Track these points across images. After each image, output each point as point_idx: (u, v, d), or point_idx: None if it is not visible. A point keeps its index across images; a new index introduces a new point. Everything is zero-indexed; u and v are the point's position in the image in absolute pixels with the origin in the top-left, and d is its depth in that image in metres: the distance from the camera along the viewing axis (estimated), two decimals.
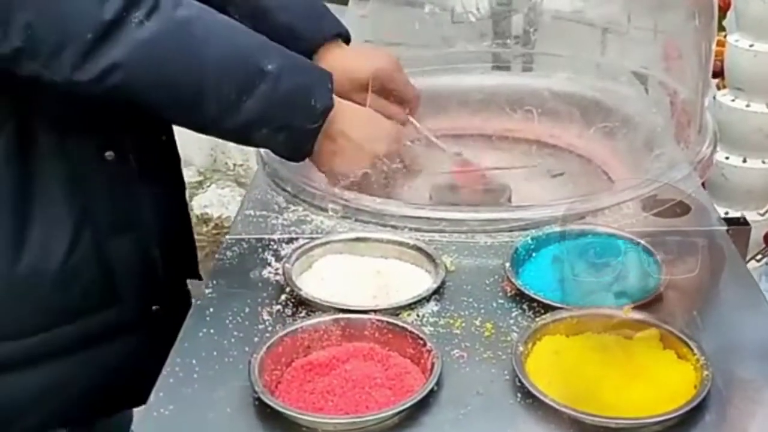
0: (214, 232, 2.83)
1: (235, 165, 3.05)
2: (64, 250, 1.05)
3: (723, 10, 1.62)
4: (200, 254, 2.64)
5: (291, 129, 1.05)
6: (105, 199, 1.08)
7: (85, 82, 0.94)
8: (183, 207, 1.28)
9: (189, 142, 2.97)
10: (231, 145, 3.14)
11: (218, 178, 3.05)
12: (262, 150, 1.27)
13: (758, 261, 1.55)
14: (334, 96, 1.07)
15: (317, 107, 1.05)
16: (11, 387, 1.08)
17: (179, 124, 1.08)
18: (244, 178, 2.96)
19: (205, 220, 2.91)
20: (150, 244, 1.14)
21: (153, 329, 1.13)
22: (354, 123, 1.10)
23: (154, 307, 1.16)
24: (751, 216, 1.52)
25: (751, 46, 1.40)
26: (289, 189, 1.19)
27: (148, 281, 1.15)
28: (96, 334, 1.10)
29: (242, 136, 1.07)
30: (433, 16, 1.34)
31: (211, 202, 2.95)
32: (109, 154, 1.07)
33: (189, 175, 3.06)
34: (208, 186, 3.04)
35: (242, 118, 1.01)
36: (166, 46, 0.97)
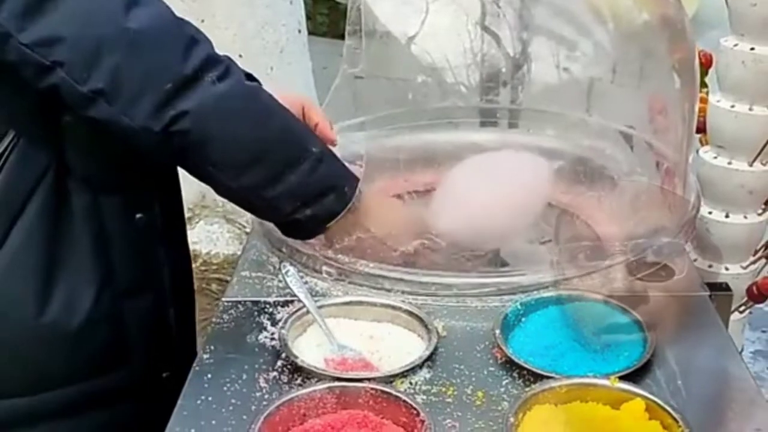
0: (202, 269, 2.83)
1: (224, 202, 3.06)
2: (87, 309, 1.06)
3: (705, 67, 1.66)
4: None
5: (320, 206, 1.09)
6: (129, 259, 1.10)
7: (156, 131, 0.98)
8: (190, 267, 1.31)
9: None
10: None
11: (207, 215, 3.05)
12: None
13: (741, 312, 1.59)
14: (364, 191, 1.13)
15: (347, 194, 1.11)
16: None
17: (218, 185, 1.08)
18: (232, 214, 2.97)
19: (194, 256, 2.92)
20: (165, 305, 1.17)
21: (161, 394, 1.11)
22: (380, 219, 1.15)
23: (164, 374, 1.17)
24: (734, 269, 1.56)
25: (732, 107, 1.44)
26: (284, 250, 1.21)
27: (160, 343, 1.17)
28: (104, 396, 1.11)
29: (276, 206, 1.09)
30: (425, 86, 1.37)
31: (200, 238, 2.94)
32: (139, 216, 1.10)
33: None
34: (197, 222, 3.04)
35: (282, 189, 1.06)
36: (236, 104, 1.03)
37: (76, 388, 1.09)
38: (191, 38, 1.00)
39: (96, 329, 1.07)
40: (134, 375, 1.13)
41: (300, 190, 1.07)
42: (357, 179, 1.13)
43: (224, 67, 1.02)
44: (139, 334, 1.13)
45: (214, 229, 3.10)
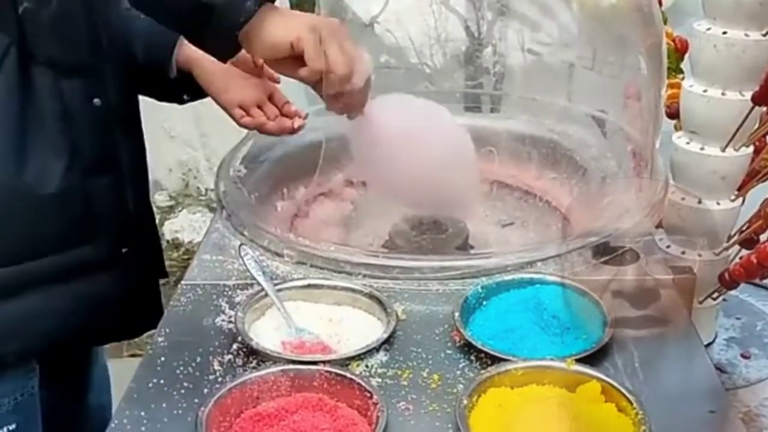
0: (185, 257, 2.83)
1: (206, 190, 3.05)
2: (59, 177, 1.11)
3: (681, 53, 1.65)
4: (170, 280, 2.64)
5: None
6: (90, 140, 1.15)
7: None
8: (144, 155, 1.32)
9: (160, 167, 2.98)
10: (203, 169, 3.15)
11: (189, 203, 3.05)
12: (221, 192, 1.28)
13: (714, 299, 1.58)
14: None
15: None
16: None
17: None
18: (215, 204, 2.96)
19: (176, 245, 2.91)
20: (124, 185, 1.22)
21: (122, 269, 1.22)
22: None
23: (124, 249, 1.22)
24: (707, 255, 1.55)
25: (704, 91, 1.42)
26: (245, 233, 1.20)
27: (121, 220, 1.22)
28: (75, 268, 1.16)
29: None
30: (389, 66, 1.36)
31: (182, 227, 2.94)
32: (96, 101, 1.15)
33: (160, 199, 3.04)
34: (180, 211, 3.03)
35: None
36: None
37: (54, 258, 1.14)
38: None
39: (66, 202, 1.13)
40: (100, 249, 1.19)
41: None
42: None
43: None
44: (104, 211, 1.18)
45: (197, 217, 3.09)
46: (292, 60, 1.02)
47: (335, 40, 1.01)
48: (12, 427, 1.17)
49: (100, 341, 1.34)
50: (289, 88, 1.24)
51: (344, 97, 1.06)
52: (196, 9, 1.00)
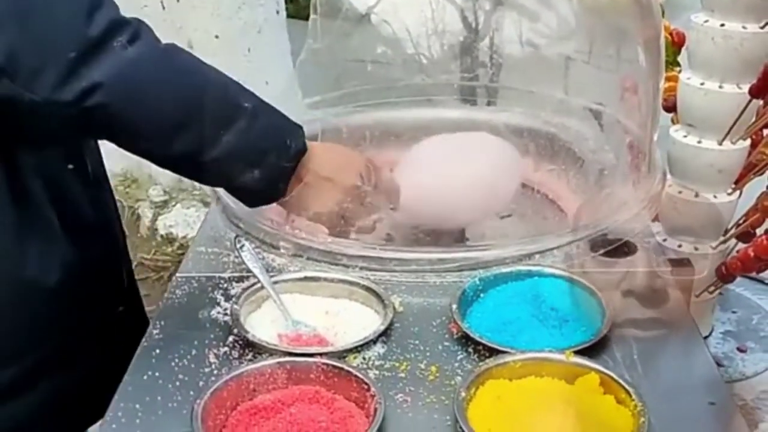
0: (179, 252, 2.81)
1: (201, 186, 3.04)
2: (59, 261, 1.06)
3: (678, 46, 1.64)
4: (165, 274, 2.62)
5: (266, 166, 1.04)
6: (73, 205, 1.10)
7: (65, 102, 0.92)
8: (119, 218, 1.29)
9: None
10: None
11: (183, 198, 3.03)
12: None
13: (711, 293, 1.57)
14: (307, 141, 1.08)
15: (292, 147, 1.06)
16: (15, 411, 1.07)
17: (154, 157, 1.04)
18: (209, 198, 2.95)
19: (170, 240, 2.89)
20: (117, 246, 1.20)
21: (122, 327, 1.17)
22: (324, 160, 1.10)
23: (120, 308, 1.19)
24: (703, 249, 1.54)
25: (702, 84, 1.42)
26: (241, 226, 1.19)
27: (116, 283, 1.20)
28: (79, 348, 1.12)
29: (218, 170, 1.04)
30: (385, 58, 1.35)
31: (176, 222, 2.93)
32: (70, 166, 1.10)
33: (154, 194, 3.02)
34: (174, 205, 3.01)
35: (220, 151, 1.00)
36: (149, 70, 0.96)
37: (61, 342, 1.09)
38: (92, 2, 0.93)
39: (71, 285, 1.08)
40: (100, 317, 1.16)
41: (239, 150, 1.01)
42: (300, 128, 1.07)
43: (132, 29, 0.95)
44: (103, 278, 1.16)
45: (191, 212, 3.08)
46: None
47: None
48: None
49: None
50: (284, 81, 1.24)
51: None
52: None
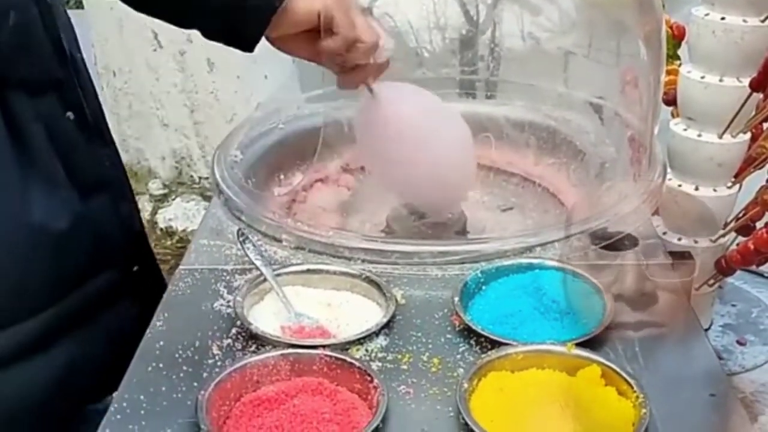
0: (178, 245, 2.82)
1: (200, 178, 3.04)
2: (67, 208, 1.06)
3: (678, 39, 1.65)
4: (164, 267, 2.64)
5: None
6: (78, 157, 1.10)
7: None
8: (126, 176, 1.27)
9: (154, 155, 2.97)
10: (196, 157, 3.14)
11: (183, 191, 3.04)
12: (218, 177, 1.27)
13: (710, 286, 1.58)
14: None
15: None
16: (34, 372, 1.06)
17: None
18: (209, 191, 2.96)
19: (170, 233, 2.90)
20: (118, 200, 1.17)
21: (138, 290, 1.17)
22: None
23: (135, 268, 1.18)
24: (703, 243, 1.55)
25: (702, 77, 1.42)
26: (243, 218, 1.20)
27: (126, 238, 1.18)
28: (100, 301, 1.12)
29: None
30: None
31: (176, 215, 2.94)
32: (69, 114, 1.09)
33: (153, 188, 3.03)
34: (173, 199, 3.02)
35: None
36: None
37: (77, 294, 1.08)
38: None
39: (79, 232, 1.07)
40: (117, 273, 1.15)
41: None
42: None
43: None
44: (109, 231, 1.14)
45: (191, 206, 3.09)
46: (307, 36, 1.01)
47: (359, 13, 1.01)
48: None
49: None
50: (283, 74, 1.23)
51: (363, 71, 1.05)
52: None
